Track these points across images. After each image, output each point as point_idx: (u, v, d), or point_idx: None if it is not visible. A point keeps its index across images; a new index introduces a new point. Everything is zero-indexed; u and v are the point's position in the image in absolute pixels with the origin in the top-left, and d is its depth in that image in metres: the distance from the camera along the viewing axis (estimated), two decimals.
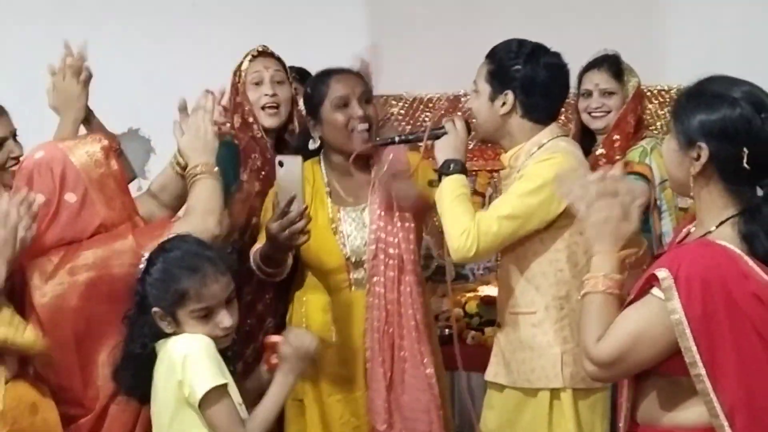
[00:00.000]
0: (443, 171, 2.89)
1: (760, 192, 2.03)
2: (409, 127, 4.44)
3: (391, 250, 3.14)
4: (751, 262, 2.00)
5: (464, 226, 2.78)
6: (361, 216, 3.19)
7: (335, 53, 3.47)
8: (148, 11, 4.75)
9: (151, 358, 2.43)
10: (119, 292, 2.51)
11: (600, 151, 3.87)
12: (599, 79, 3.85)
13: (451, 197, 2.84)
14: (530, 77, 2.91)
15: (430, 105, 4.78)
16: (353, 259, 3.15)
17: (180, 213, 2.87)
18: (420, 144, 3.09)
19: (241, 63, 3.44)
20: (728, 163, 2.03)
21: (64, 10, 4.47)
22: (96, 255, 2.56)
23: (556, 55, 3.01)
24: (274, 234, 2.79)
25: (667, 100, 4.59)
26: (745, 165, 2.00)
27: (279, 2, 4.34)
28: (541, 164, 2.84)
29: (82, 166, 2.61)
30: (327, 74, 3.21)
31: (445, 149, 2.94)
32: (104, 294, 2.55)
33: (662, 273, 2.00)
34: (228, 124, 3.35)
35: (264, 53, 3.47)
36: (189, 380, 2.33)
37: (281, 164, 2.87)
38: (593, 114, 3.88)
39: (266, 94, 3.37)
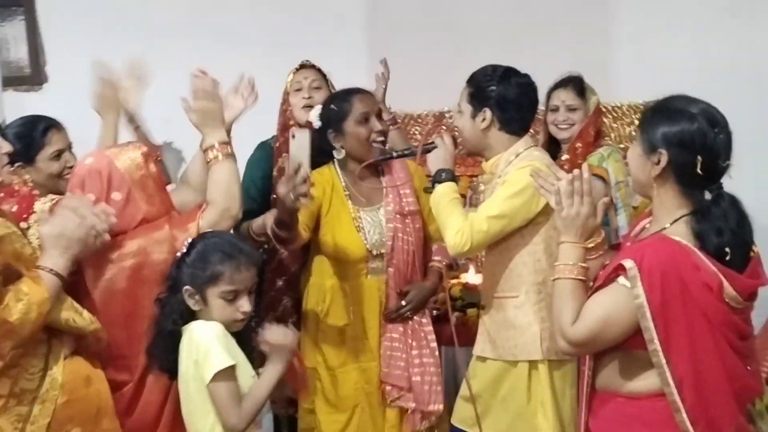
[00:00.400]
0: (436, 179, 3.04)
1: (708, 195, 2.14)
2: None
3: (405, 246, 3.32)
4: (701, 255, 2.09)
5: (458, 226, 2.90)
6: (377, 215, 3.34)
7: (337, 75, 3.72)
8: (180, 39, 4.93)
9: (177, 337, 2.51)
10: (158, 275, 2.60)
11: (565, 157, 3.96)
12: (565, 97, 3.95)
13: (445, 202, 2.98)
14: (503, 95, 3.03)
15: (420, 120, 4.88)
16: (373, 252, 3.30)
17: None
18: (413, 157, 3.22)
19: (288, 77, 3.64)
20: (684, 168, 2.13)
21: (111, 33, 4.68)
22: (138, 244, 2.64)
23: (525, 75, 3.10)
24: (282, 195, 2.80)
25: (619, 114, 4.65)
26: (699, 171, 2.11)
27: (287, 31, 4.54)
28: (521, 171, 2.92)
29: (126, 170, 2.68)
30: (349, 93, 3.35)
31: (436, 161, 3.08)
32: (146, 277, 2.63)
33: (628, 263, 2.10)
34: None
35: (304, 66, 3.66)
36: (202, 362, 2.42)
37: (293, 136, 2.96)
38: (560, 126, 3.98)
39: (304, 97, 3.55)
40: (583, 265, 2.26)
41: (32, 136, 3.13)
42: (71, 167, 3.06)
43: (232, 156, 2.77)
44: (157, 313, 2.55)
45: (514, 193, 2.95)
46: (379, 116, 3.36)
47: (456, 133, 3.27)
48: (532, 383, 3.04)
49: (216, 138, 2.77)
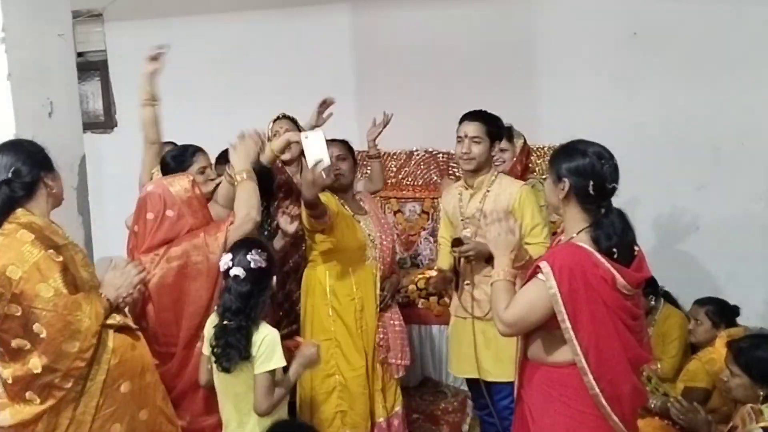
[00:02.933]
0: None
1: (602, 211, 2.15)
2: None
3: (386, 244, 3.36)
4: (598, 256, 2.09)
5: None
6: (365, 220, 3.32)
7: (334, 121, 3.73)
8: (213, 94, 5.06)
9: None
10: (196, 272, 2.61)
11: None
12: (501, 143, 3.72)
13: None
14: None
15: (394, 156, 4.99)
16: (372, 241, 3.29)
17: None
18: None
19: (269, 124, 3.62)
20: (581, 191, 2.14)
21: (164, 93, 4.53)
22: (183, 249, 2.63)
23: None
24: (308, 180, 2.82)
25: (542, 154, 4.71)
26: (591, 192, 2.13)
27: (293, 87, 4.54)
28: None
29: (177, 193, 2.69)
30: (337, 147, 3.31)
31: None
32: (188, 274, 2.62)
33: (543, 264, 2.10)
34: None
35: (280, 118, 3.64)
36: (265, 355, 2.42)
37: (306, 137, 2.82)
38: (495, 163, 3.72)
39: None
40: (511, 270, 2.25)
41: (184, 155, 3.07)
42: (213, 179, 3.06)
43: (252, 179, 2.75)
44: (224, 341, 2.45)
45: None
46: (342, 159, 3.35)
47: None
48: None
49: (241, 167, 2.77)
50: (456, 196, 3.20)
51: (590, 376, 2.09)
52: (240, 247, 2.50)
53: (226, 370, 2.44)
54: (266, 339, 2.43)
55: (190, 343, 2.66)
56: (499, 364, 3.02)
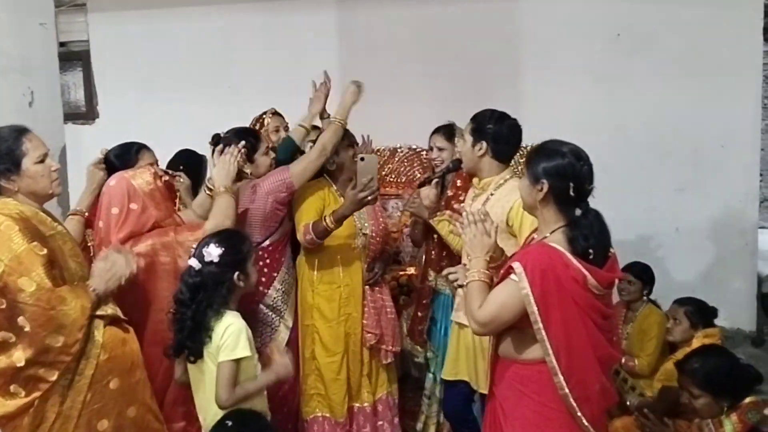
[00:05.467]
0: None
1: (578, 212, 2.14)
2: None
3: (377, 230, 3.37)
4: (570, 256, 2.09)
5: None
6: (360, 213, 3.26)
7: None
8: (200, 89, 5.02)
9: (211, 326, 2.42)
10: (163, 272, 2.60)
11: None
12: (437, 141, 3.65)
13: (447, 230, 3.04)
14: (498, 132, 2.95)
15: (379, 153, 4.86)
16: (360, 231, 3.29)
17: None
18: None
19: (265, 118, 3.69)
20: (560, 192, 2.14)
21: (147, 82, 4.65)
22: (150, 245, 2.61)
23: (514, 119, 2.99)
24: (357, 198, 2.95)
25: (524, 154, 4.40)
26: (572, 194, 2.12)
27: (281, 85, 4.42)
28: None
29: (140, 186, 2.66)
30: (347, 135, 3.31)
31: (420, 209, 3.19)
32: (155, 272, 2.61)
33: (516, 264, 2.10)
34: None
35: (275, 113, 3.73)
36: (229, 345, 2.39)
37: (362, 159, 2.98)
38: (434, 162, 3.69)
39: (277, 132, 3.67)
40: (487, 271, 2.24)
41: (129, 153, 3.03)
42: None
43: (231, 194, 2.77)
44: (180, 325, 2.44)
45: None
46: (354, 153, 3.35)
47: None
48: (483, 342, 2.91)
49: (222, 184, 2.78)
50: (471, 193, 3.17)
51: (560, 376, 2.10)
52: (207, 238, 2.51)
53: (171, 357, 2.48)
54: (229, 329, 2.41)
55: (154, 340, 2.61)
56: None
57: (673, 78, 4.70)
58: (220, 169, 2.82)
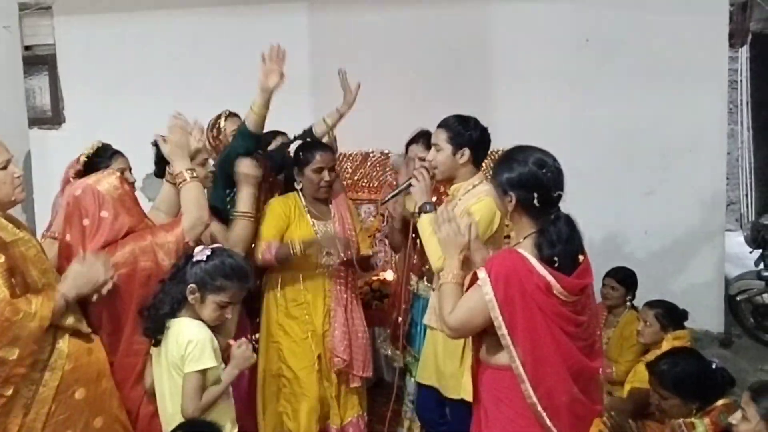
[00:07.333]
0: (422, 210, 2.90)
1: (550, 218, 2.12)
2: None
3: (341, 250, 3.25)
4: (535, 263, 2.08)
5: (440, 252, 2.56)
6: (324, 226, 3.28)
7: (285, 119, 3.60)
8: (163, 91, 4.91)
9: (166, 320, 2.38)
10: (144, 279, 2.49)
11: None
12: (417, 150, 3.50)
13: (429, 230, 2.78)
14: (479, 139, 2.95)
15: (350, 157, 4.92)
16: (324, 250, 3.24)
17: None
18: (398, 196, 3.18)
19: (220, 122, 3.56)
20: (527, 202, 2.13)
21: (113, 86, 4.56)
22: (128, 253, 2.48)
23: (485, 127, 2.99)
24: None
25: (494, 157, 4.53)
26: (536, 204, 2.12)
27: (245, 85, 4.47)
28: (482, 203, 2.80)
29: (107, 191, 2.52)
30: (315, 148, 3.29)
31: (420, 192, 2.91)
32: (135, 280, 2.49)
33: (480, 271, 2.11)
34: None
35: (230, 115, 3.57)
36: (194, 356, 2.32)
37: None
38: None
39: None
40: (460, 273, 2.23)
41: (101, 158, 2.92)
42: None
43: (197, 179, 2.64)
44: (158, 291, 2.41)
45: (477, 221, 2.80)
46: (331, 169, 3.30)
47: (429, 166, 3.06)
48: (465, 346, 2.89)
49: (183, 166, 2.63)
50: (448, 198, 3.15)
51: (527, 384, 2.09)
52: (227, 252, 2.47)
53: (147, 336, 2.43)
54: (193, 342, 2.34)
55: (131, 350, 2.53)
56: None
57: (642, 82, 4.76)
58: (172, 148, 2.65)
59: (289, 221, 3.25)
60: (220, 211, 3.12)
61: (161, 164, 2.85)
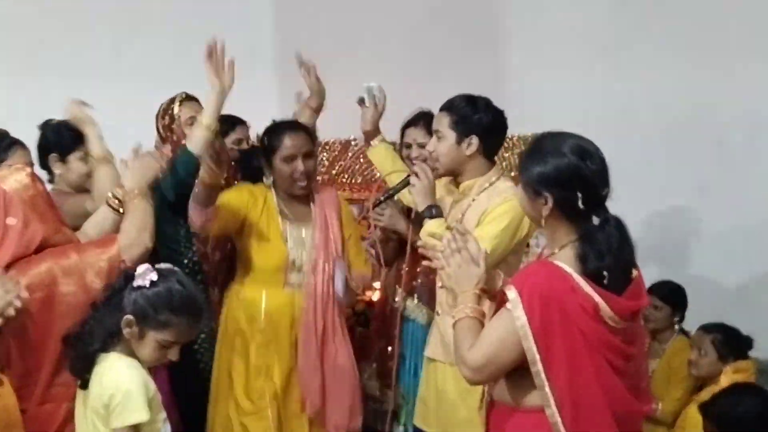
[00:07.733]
0: (426, 215, 2.90)
1: (596, 221, 2.07)
2: None
3: (326, 265, 3.25)
4: (578, 279, 2.03)
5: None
6: (300, 233, 3.26)
7: (249, 106, 3.69)
8: (102, 74, 4.92)
9: (96, 356, 2.34)
10: (66, 307, 2.46)
11: None
12: (416, 135, 3.63)
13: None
14: (490, 124, 2.96)
15: (327, 147, 4.87)
16: (294, 262, 3.22)
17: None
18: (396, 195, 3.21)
19: (174, 108, 3.57)
20: (568, 203, 2.07)
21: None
22: (45, 273, 2.46)
23: (497, 107, 3.01)
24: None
25: (510, 145, 4.55)
26: (581, 205, 2.05)
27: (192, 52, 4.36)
28: (506, 205, 2.85)
29: (15, 192, 2.48)
30: (282, 130, 3.26)
31: (421, 192, 2.93)
32: (55, 309, 2.46)
33: (509, 289, 2.05)
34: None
35: (186, 99, 3.60)
36: (119, 406, 2.25)
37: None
38: (414, 162, 3.55)
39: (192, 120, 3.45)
40: (478, 308, 2.18)
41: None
42: None
43: (146, 199, 2.69)
44: (88, 318, 2.36)
45: (504, 228, 2.87)
46: (307, 156, 3.25)
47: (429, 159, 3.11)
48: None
49: (139, 185, 2.70)
50: (449, 199, 3.12)
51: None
52: (176, 277, 2.41)
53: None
54: (121, 388, 2.27)
55: (48, 396, 2.49)
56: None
57: (692, 51, 4.72)
58: (135, 168, 2.74)
59: (248, 210, 3.20)
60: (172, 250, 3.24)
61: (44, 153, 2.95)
